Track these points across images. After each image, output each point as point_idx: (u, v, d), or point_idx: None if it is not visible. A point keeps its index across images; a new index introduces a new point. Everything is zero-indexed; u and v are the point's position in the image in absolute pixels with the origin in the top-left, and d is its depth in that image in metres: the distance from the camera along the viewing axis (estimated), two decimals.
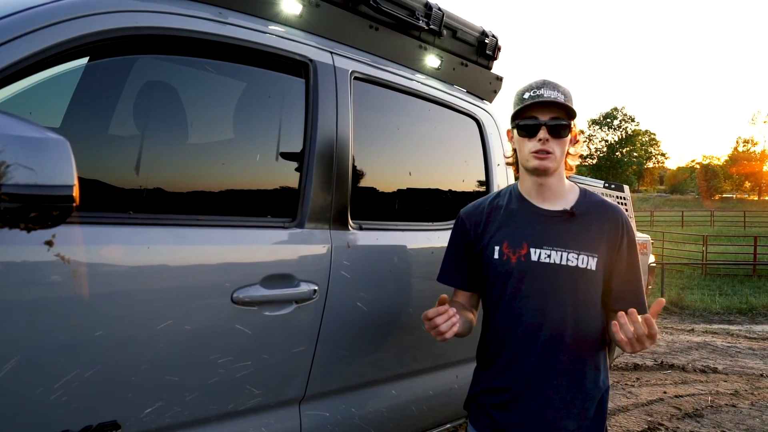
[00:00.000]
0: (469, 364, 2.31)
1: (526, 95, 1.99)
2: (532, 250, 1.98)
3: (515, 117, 2.01)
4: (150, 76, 1.82)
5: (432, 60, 2.67)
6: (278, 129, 2.04)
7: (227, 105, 2.00)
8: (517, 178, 2.20)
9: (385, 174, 2.46)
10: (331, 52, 2.18)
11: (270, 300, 1.84)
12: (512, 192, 2.14)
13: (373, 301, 2.19)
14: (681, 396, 6.06)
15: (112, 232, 1.54)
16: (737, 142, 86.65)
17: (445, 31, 2.68)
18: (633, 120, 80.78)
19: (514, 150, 2.10)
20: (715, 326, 10.57)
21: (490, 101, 3.05)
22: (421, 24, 2.51)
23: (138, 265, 1.56)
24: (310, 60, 2.08)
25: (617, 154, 78.56)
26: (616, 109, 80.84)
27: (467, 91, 2.92)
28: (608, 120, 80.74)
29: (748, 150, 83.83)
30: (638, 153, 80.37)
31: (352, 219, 2.15)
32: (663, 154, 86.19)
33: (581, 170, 76.73)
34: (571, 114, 1.97)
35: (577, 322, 1.96)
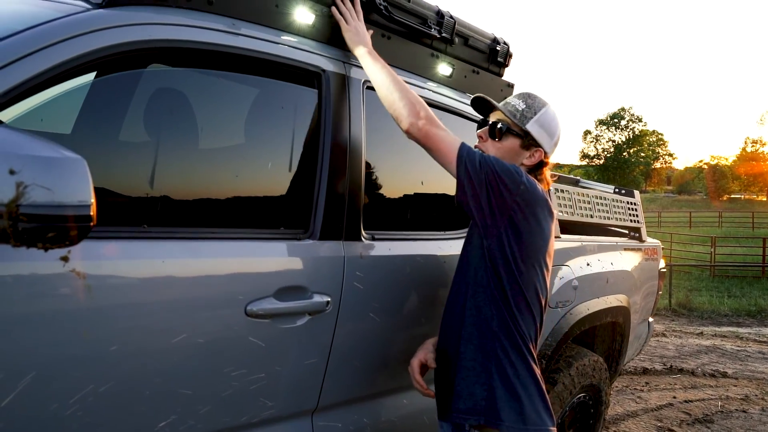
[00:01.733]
0: None
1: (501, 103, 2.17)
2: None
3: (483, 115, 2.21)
4: (163, 89, 1.82)
5: (444, 68, 2.67)
6: (291, 140, 2.03)
7: (240, 116, 2.00)
8: None
9: (397, 184, 2.45)
10: (344, 62, 2.17)
11: (283, 312, 1.84)
12: None
13: (385, 311, 2.19)
14: (691, 401, 6.03)
15: (127, 247, 1.54)
16: (745, 143, 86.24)
17: (456, 39, 2.67)
18: (640, 120, 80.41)
19: None
20: (724, 329, 10.51)
21: None
22: (433, 32, 2.50)
23: (152, 280, 1.56)
24: (323, 70, 2.08)
25: (624, 154, 78.21)
26: (623, 109, 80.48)
27: None
28: (615, 120, 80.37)
29: (756, 150, 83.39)
30: (645, 153, 79.97)
31: (364, 229, 2.14)
32: (670, 155, 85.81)
33: (588, 171, 76.61)
34: (522, 125, 2.07)
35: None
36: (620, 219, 4.09)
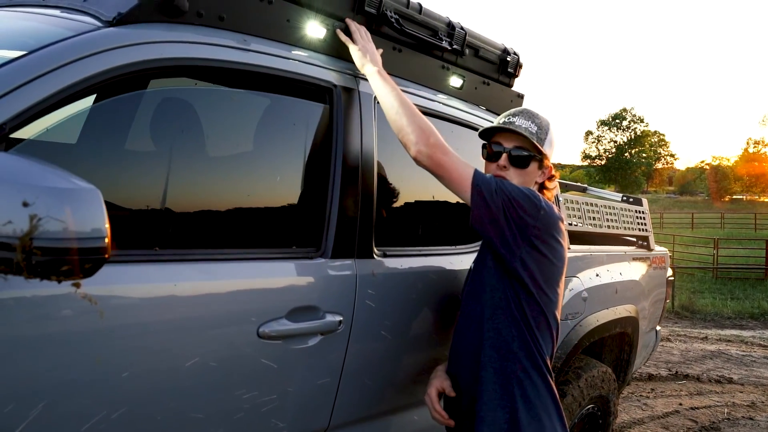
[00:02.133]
0: None
1: (500, 120, 2.09)
2: (473, 266, 2.13)
3: (484, 139, 2.12)
4: (173, 108, 1.78)
5: (454, 80, 2.64)
6: (303, 157, 2.00)
7: (251, 134, 1.97)
8: None
9: (408, 199, 2.42)
10: (355, 76, 2.15)
11: (295, 333, 1.81)
12: None
13: (396, 328, 2.16)
14: (697, 408, 5.99)
15: (139, 271, 1.51)
16: (747, 143, 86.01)
17: (467, 50, 2.64)
18: (642, 121, 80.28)
19: None
20: (728, 332, 10.49)
21: None
22: (444, 44, 2.48)
23: (165, 304, 1.53)
24: (334, 85, 2.05)
25: (626, 155, 78.07)
26: (625, 109, 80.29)
27: (489, 110, 2.88)
28: (617, 121, 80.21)
29: (758, 151, 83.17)
30: (647, 154, 79.83)
31: (376, 246, 2.12)
32: (672, 155, 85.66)
33: (590, 171, 76.48)
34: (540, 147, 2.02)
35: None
36: (629, 228, 4.06)
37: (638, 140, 79.05)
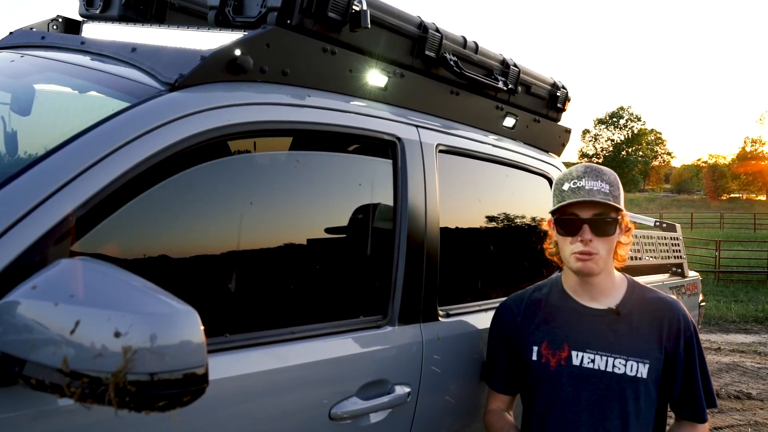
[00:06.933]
0: None
1: (566, 186, 1.82)
2: (573, 354, 1.83)
3: (553, 211, 1.84)
4: (236, 180, 1.60)
5: (508, 120, 2.51)
6: (369, 221, 1.86)
7: (317, 201, 1.80)
8: (560, 269, 2.05)
9: (466, 253, 2.29)
10: (417, 126, 2.02)
11: (366, 411, 1.69)
12: (554, 285, 1.97)
13: (458, 390, 2.05)
14: (720, 428, 5.89)
15: (213, 363, 1.37)
16: (745, 142, 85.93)
17: (519, 88, 2.52)
18: (639, 119, 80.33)
19: (556, 242, 1.91)
20: (735, 338, 10.39)
21: (559, 155, 2.90)
22: (500, 85, 2.35)
23: (239, 398, 1.41)
24: (398, 138, 1.92)
25: (623, 153, 78.12)
26: (622, 108, 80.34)
27: (539, 148, 2.75)
28: (614, 119, 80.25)
29: (755, 150, 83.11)
30: (644, 152, 79.88)
31: (439, 306, 1.99)
32: (669, 153, 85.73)
33: None
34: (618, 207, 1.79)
35: None
36: (666, 257, 3.96)
37: (635, 138, 79.05)
